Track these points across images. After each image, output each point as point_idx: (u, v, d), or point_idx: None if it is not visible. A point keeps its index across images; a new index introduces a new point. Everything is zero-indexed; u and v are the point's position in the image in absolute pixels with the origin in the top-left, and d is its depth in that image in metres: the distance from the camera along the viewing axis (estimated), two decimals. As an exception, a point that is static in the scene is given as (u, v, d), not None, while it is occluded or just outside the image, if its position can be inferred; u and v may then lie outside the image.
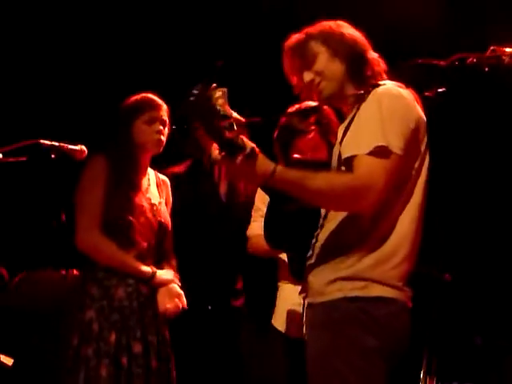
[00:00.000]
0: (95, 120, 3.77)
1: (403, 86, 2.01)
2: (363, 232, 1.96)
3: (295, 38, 2.12)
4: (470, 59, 2.00)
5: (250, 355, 3.13)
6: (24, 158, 2.69)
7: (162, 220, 2.87)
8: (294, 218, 2.09)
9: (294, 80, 2.12)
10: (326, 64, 2.06)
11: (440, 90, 1.86)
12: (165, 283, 2.78)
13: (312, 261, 2.05)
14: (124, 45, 4.16)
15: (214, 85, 1.81)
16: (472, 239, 3.69)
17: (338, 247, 1.99)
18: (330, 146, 2.82)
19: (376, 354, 1.93)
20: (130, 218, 2.75)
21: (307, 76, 2.08)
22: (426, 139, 2.00)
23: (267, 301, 3.03)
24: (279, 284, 3.00)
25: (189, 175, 3.13)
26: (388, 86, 2.00)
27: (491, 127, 3.55)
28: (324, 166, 2.12)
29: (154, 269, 2.78)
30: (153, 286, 2.77)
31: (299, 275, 2.12)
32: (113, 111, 2.91)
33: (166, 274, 2.81)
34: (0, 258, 3.43)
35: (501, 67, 2.04)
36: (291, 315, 2.87)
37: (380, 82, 2.01)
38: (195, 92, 1.77)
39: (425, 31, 3.45)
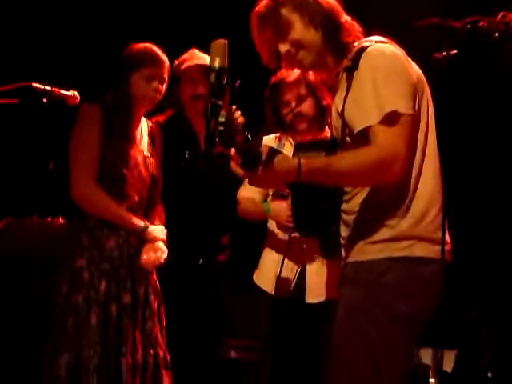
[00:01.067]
0: (92, 66, 3.69)
1: (387, 40, 1.97)
2: (395, 194, 1.96)
3: (264, 5, 2.03)
4: (482, 22, 1.97)
5: (232, 309, 3.18)
6: (15, 101, 2.64)
7: (154, 173, 2.85)
8: (318, 204, 2.08)
9: (264, 51, 2.05)
10: (302, 33, 2.00)
11: (451, 52, 1.82)
12: (154, 240, 2.76)
13: (348, 234, 2.04)
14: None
15: (234, 107, 1.82)
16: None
17: (373, 214, 1.98)
18: (317, 99, 2.85)
19: (409, 322, 1.93)
20: (124, 170, 2.72)
21: (283, 47, 2.01)
22: (427, 91, 1.98)
23: (252, 259, 3.06)
24: (265, 248, 3.02)
25: (169, 126, 3.08)
26: (377, 45, 1.94)
27: (495, 96, 3.51)
28: (331, 145, 2.09)
29: (147, 223, 2.77)
30: (143, 239, 2.76)
31: (329, 252, 2.17)
32: (112, 58, 2.85)
33: (157, 230, 2.79)
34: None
35: (509, 34, 2.02)
36: (273, 274, 2.89)
37: (365, 44, 1.95)
38: (222, 121, 1.79)
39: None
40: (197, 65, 3.00)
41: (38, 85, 2.67)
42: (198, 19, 3.68)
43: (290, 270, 2.89)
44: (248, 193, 2.95)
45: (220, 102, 1.86)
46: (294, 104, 2.88)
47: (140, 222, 2.76)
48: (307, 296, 2.87)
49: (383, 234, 1.96)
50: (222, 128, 1.80)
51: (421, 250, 1.95)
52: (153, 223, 2.82)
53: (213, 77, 1.91)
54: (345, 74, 1.96)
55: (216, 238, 3.10)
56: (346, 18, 2.04)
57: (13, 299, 3.34)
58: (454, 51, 1.83)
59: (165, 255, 2.78)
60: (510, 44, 2.06)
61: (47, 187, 3.79)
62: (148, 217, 2.83)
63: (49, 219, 3.55)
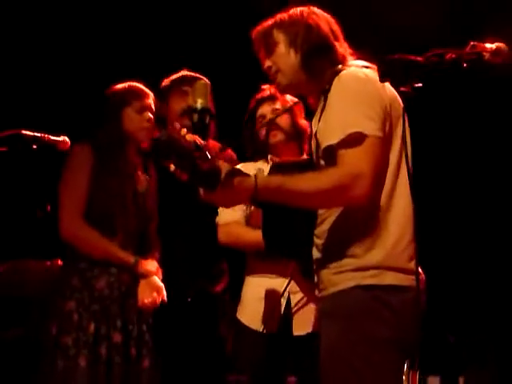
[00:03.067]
0: (78, 110, 3.76)
1: (372, 66, 1.99)
2: (363, 222, 1.95)
3: (263, 24, 2.11)
4: (449, 54, 1.99)
5: (227, 344, 3.10)
6: (5, 149, 2.70)
7: (148, 209, 2.88)
8: (290, 224, 2.07)
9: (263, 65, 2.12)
10: (282, 54, 2.06)
11: (416, 85, 1.84)
12: (147, 274, 2.78)
13: (319, 258, 2.04)
14: (105, 35, 4.15)
15: (178, 125, 1.82)
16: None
17: (342, 241, 1.97)
18: (292, 117, 2.87)
19: (389, 344, 1.92)
20: (115, 208, 2.75)
21: (266, 63, 2.09)
22: (402, 120, 1.98)
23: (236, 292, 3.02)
24: (246, 277, 2.98)
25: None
26: (352, 69, 1.98)
27: (469, 123, 3.57)
28: (307, 165, 2.10)
29: (138, 258, 2.79)
30: (136, 274, 2.78)
31: (309, 275, 2.12)
32: (98, 100, 2.91)
33: (149, 264, 2.81)
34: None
35: (480, 63, 2.04)
36: (257, 309, 2.84)
37: (341, 67, 1.99)
38: (160, 136, 1.79)
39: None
40: (188, 75, 3.01)
41: (27, 132, 2.75)
42: (180, 55, 3.76)
43: (276, 303, 2.82)
44: (229, 217, 2.85)
45: (203, 142, 1.87)
46: (268, 117, 2.90)
47: (131, 257, 2.77)
48: (294, 328, 2.81)
49: (349, 263, 1.95)
50: (159, 144, 1.79)
51: (390, 278, 1.93)
52: (145, 258, 2.82)
53: (195, 117, 1.95)
54: (322, 98, 2.01)
55: (209, 268, 3.05)
56: (339, 43, 2.08)
57: (12, 341, 3.36)
58: (419, 84, 1.85)
59: (163, 294, 2.77)
60: (482, 72, 2.09)
61: (45, 230, 3.83)
62: (141, 252, 2.84)
63: (47, 262, 3.59)
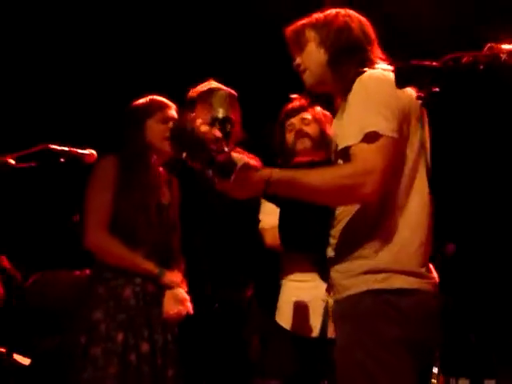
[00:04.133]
0: (103, 123, 3.83)
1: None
2: (375, 224, 1.97)
3: (297, 22, 2.16)
4: (466, 58, 2.00)
5: (259, 351, 3.13)
6: (34, 164, 2.77)
7: (170, 220, 2.91)
8: (307, 220, 2.09)
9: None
10: (311, 52, 2.11)
11: (434, 90, 1.87)
12: (172, 284, 2.81)
13: (332, 258, 2.06)
14: (128, 49, 4.22)
15: (193, 114, 1.85)
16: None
17: (353, 242, 1.99)
18: (321, 127, 2.92)
19: (401, 345, 1.92)
20: (139, 219, 2.79)
21: (296, 60, 2.15)
22: (422, 120, 2.00)
23: (272, 295, 3.06)
24: (282, 281, 3.03)
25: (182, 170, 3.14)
26: (372, 71, 2.01)
27: (487, 126, 3.57)
28: (327, 163, 2.13)
29: (162, 268, 2.82)
30: (160, 284, 2.81)
31: (327, 276, 2.13)
32: (121, 113, 2.96)
33: (174, 275, 2.84)
34: (15, 259, 3.50)
35: (497, 65, 2.05)
36: (297, 313, 2.89)
37: (366, 69, 2.02)
38: (176, 125, 1.82)
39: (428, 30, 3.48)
40: (213, 87, 3.02)
41: (55, 146, 2.82)
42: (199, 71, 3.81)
43: (314, 307, 2.88)
44: (273, 219, 2.80)
45: (219, 134, 1.91)
46: (297, 126, 2.96)
47: (155, 268, 2.80)
48: (330, 331, 2.78)
49: (360, 265, 1.97)
50: (174, 132, 1.83)
51: (400, 281, 1.94)
52: (170, 270, 2.85)
53: (217, 126, 2.01)
54: (345, 98, 2.04)
55: (234, 277, 3.08)
56: (371, 47, 2.10)
57: (43, 352, 3.42)
58: (436, 89, 1.86)
59: (188, 306, 2.80)
60: (499, 74, 2.10)
61: (74, 240, 3.90)
62: (166, 264, 2.87)
63: (77, 272, 3.65)
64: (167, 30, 4.26)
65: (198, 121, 1.88)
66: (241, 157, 1.89)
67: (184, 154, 1.84)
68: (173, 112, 2.91)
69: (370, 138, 1.90)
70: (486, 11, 3.56)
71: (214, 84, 3.11)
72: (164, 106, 2.89)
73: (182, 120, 1.82)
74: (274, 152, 3.04)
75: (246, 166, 1.87)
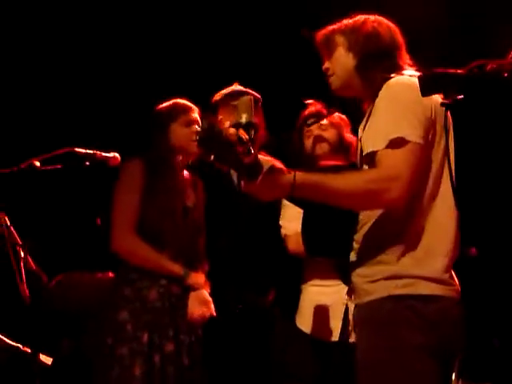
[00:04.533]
0: (128, 127, 3.86)
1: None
2: (398, 229, 1.97)
3: (328, 27, 2.19)
4: (490, 65, 2.00)
5: (281, 355, 3.12)
6: (59, 166, 2.81)
7: (196, 223, 2.94)
8: (331, 225, 2.10)
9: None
10: (340, 57, 2.13)
11: (459, 97, 1.87)
12: (196, 286, 2.84)
13: (354, 262, 2.07)
14: (153, 53, 4.25)
15: (221, 117, 1.85)
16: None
17: (376, 247, 1.99)
18: (340, 132, 2.92)
19: (425, 351, 1.92)
20: (165, 222, 2.82)
21: (325, 65, 2.17)
22: (447, 127, 1.98)
23: (294, 301, 3.06)
24: (303, 286, 3.04)
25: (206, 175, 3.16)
26: (400, 77, 2.02)
27: (510, 133, 3.55)
28: (351, 168, 2.16)
29: (187, 270, 2.85)
30: (185, 285, 2.83)
31: (348, 280, 2.13)
32: (146, 117, 2.99)
33: (198, 277, 2.87)
34: (39, 261, 3.54)
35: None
36: (317, 317, 2.91)
37: (393, 76, 2.03)
38: (203, 127, 1.83)
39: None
40: (236, 90, 3.04)
41: (80, 149, 2.86)
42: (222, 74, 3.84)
43: (335, 311, 2.89)
44: (296, 226, 2.80)
45: (247, 136, 1.89)
46: (315, 131, 2.98)
47: (180, 270, 2.83)
48: (352, 335, 2.86)
49: (382, 271, 1.97)
50: (202, 134, 1.84)
51: (423, 288, 1.95)
52: (195, 271, 2.88)
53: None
54: (372, 104, 2.05)
55: (256, 281, 3.10)
56: (399, 53, 2.11)
57: (65, 354, 3.45)
58: (461, 96, 1.87)
59: (211, 308, 2.82)
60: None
61: (97, 243, 3.93)
62: (191, 266, 2.89)
63: (99, 274, 3.68)
64: (193, 33, 4.29)
65: (226, 123, 1.89)
66: (267, 159, 1.90)
67: (212, 157, 1.85)
68: (196, 115, 2.93)
69: (396, 143, 1.91)
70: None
71: (238, 87, 3.13)
72: (187, 109, 2.91)
73: (209, 122, 1.82)
74: (293, 158, 3.05)
75: (273, 169, 1.88)
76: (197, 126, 2.89)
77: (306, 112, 3.05)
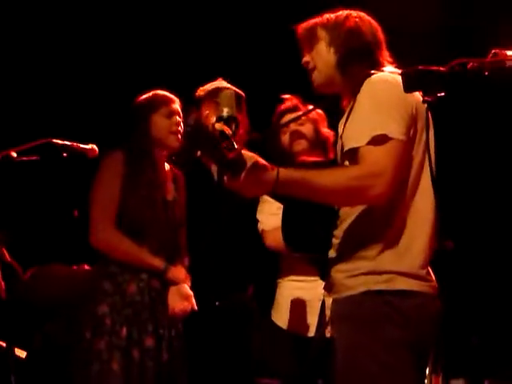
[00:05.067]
0: (107, 119, 3.83)
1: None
2: (379, 225, 1.97)
3: (309, 20, 2.17)
4: (471, 64, 2.01)
5: (258, 350, 3.13)
6: (36, 157, 2.77)
7: (175, 217, 2.92)
8: (311, 220, 2.10)
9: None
10: (321, 52, 2.11)
11: (440, 95, 1.88)
12: (176, 280, 2.82)
13: (333, 258, 2.07)
14: (135, 46, 4.22)
15: (207, 112, 1.85)
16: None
17: (357, 242, 2.00)
18: (316, 127, 2.93)
19: (402, 346, 1.93)
20: (145, 214, 2.80)
21: (305, 58, 2.15)
22: (428, 124, 1.98)
23: (269, 295, 3.07)
24: (279, 281, 3.04)
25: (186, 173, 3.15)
26: (382, 73, 2.02)
27: (492, 130, 3.60)
28: (331, 164, 2.15)
29: (168, 264, 2.83)
30: (165, 280, 2.82)
31: (326, 275, 2.13)
32: (126, 108, 2.96)
33: (178, 271, 2.85)
34: (14, 253, 3.50)
35: (502, 71, 2.06)
36: (294, 312, 2.91)
37: (375, 72, 2.03)
38: (190, 122, 1.81)
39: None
40: (219, 87, 2.99)
41: (57, 140, 2.83)
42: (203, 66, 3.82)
43: (311, 307, 2.89)
44: (274, 221, 2.87)
45: (230, 132, 1.88)
46: (292, 126, 2.96)
47: (161, 264, 2.81)
48: (328, 330, 2.82)
49: (362, 266, 1.97)
50: (189, 129, 1.83)
51: (401, 283, 1.95)
52: (175, 266, 2.86)
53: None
54: (352, 100, 2.04)
55: (235, 275, 3.08)
56: (380, 51, 2.11)
57: (38, 347, 3.42)
58: (443, 93, 1.87)
59: (193, 302, 2.81)
60: (504, 80, 2.11)
61: (72, 236, 3.91)
62: (171, 260, 2.87)
63: (74, 267, 3.65)
64: (174, 27, 4.26)
65: (212, 118, 1.88)
66: (251, 155, 1.89)
67: (199, 152, 1.84)
68: (177, 106, 2.89)
69: (379, 140, 1.91)
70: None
71: (222, 83, 3.11)
72: (168, 100, 2.88)
73: (196, 118, 1.81)
74: (269, 153, 3.04)
75: (256, 165, 1.87)
76: (177, 117, 2.86)
77: (282, 107, 3.03)
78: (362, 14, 2.16)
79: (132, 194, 2.80)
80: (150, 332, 2.74)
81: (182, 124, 2.86)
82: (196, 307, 2.84)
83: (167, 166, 2.98)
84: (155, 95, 2.90)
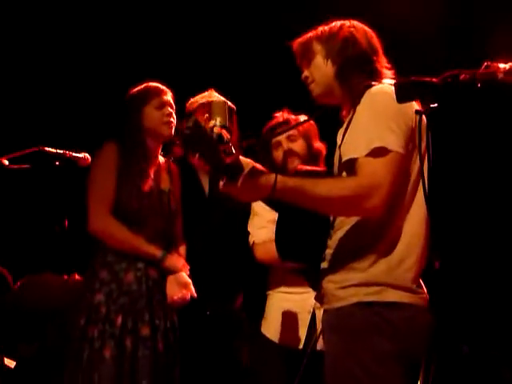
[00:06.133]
0: (98, 127, 3.82)
1: None
2: (373, 237, 1.97)
3: (304, 35, 2.17)
4: (463, 75, 2.02)
5: (248, 361, 3.10)
6: (28, 165, 2.76)
7: (171, 207, 2.92)
8: (305, 230, 2.10)
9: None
10: (318, 65, 2.11)
11: (432, 106, 1.88)
12: (174, 269, 2.82)
13: (325, 268, 2.06)
14: (128, 51, 4.22)
15: (207, 115, 1.85)
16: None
17: (350, 253, 1.99)
18: (308, 142, 2.93)
19: (392, 358, 1.93)
20: (140, 204, 2.80)
21: (304, 73, 2.16)
22: (421, 135, 1.96)
23: (259, 307, 3.04)
24: (268, 293, 3.02)
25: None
26: (382, 85, 2.02)
27: (484, 141, 3.61)
28: (327, 174, 2.16)
29: (165, 252, 2.82)
30: (162, 268, 2.81)
31: (317, 285, 2.13)
32: (119, 104, 2.95)
33: (176, 259, 2.85)
34: (4, 262, 3.48)
35: (494, 83, 2.07)
36: (283, 324, 2.88)
37: (375, 83, 2.03)
38: (189, 125, 1.81)
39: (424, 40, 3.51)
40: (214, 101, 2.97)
41: (49, 148, 2.82)
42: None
43: (301, 319, 2.87)
44: (264, 234, 2.88)
45: (229, 136, 1.87)
46: (284, 144, 2.95)
47: (158, 252, 2.81)
48: (319, 343, 2.73)
49: (353, 278, 1.97)
50: (187, 132, 1.83)
51: (392, 295, 1.95)
52: (172, 254, 2.85)
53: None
54: (352, 110, 2.05)
55: (227, 283, 3.07)
56: (377, 58, 2.11)
57: (29, 356, 3.40)
58: (435, 104, 1.88)
59: (191, 289, 2.80)
60: (497, 92, 2.12)
61: (63, 245, 3.89)
62: (167, 249, 2.86)
63: (65, 276, 3.64)
64: (164, 31, 4.25)
65: (211, 122, 1.87)
66: (248, 161, 1.89)
67: (196, 156, 1.83)
68: (169, 97, 2.92)
69: (378, 152, 1.91)
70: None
71: (212, 94, 3.11)
72: (160, 92, 2.90)
73: (194, 120, 1.79)
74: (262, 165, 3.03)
75: (254, 171, 1.87)
76: (169, 108, 2.87)
77: (273, 122, 3.02)
78: (356, 22, 2.16)
79: (127, 184, 2.80)
80: (147, 321, 2.73)
81: (173, 115, 2.89)
82: (195, 294, 2.82)
83: (162, 159, 2.99)
84: (147, 87, 2.92)
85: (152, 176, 2.88)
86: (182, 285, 2.81)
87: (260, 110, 3.15)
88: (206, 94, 3.16)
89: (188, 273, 2.85)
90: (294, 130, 2.94)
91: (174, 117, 2.89)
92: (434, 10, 3.58)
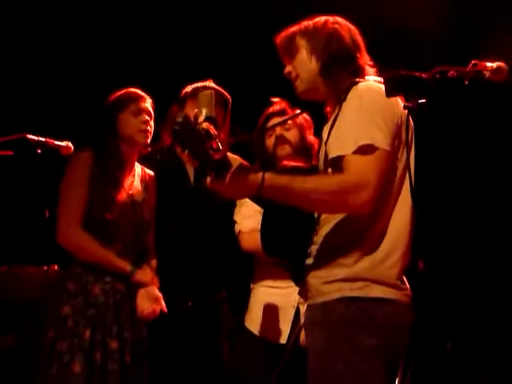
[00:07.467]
0: (81, 117, 3.79)
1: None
2: (358, 233, 1.98)
3: (287, 30, 2.17)
4: (451, 72, 2.03)
5: (229, 353, 3.11)
6: (10, 152, 2.73)
7: (144, 218, 2.88)
8: (290, 226, 2.10)
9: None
10: (302, 60, 2.11)
11: (420, 101, 1.89)
12: (143, 283, 2.80)
13: (310, 264, 2.07)
14: (109, 42, 4.18)
15: (196, 110, 1.85)
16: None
17: (335, 249, 2.00)
18: (302, 133, 2.92)
19: (375, 353, 1.94)
20: (111, 215, 2.77)
21: (287, 68, 2.15)
22: (411, 135, 2.01)
23: (243, 300, 3.05)
24: (252, 286, 3.02)
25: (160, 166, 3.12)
26: (368, 82, 2.03)
27: (470, 138, 3.64)
28: (313, 170, 2.15)
29: (134, 267, 2.80)
30: (132, 282, 2.79)
31: (300, 280, 2.14)
32: (96, 108, 2.93)
33: (145, 273, 2.83)
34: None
35: (481, 81, 2.08)
36: (267, 318, 2.89)
37: (360, 80, 2.04)
38: (178, 120, 1.80)
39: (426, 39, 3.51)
40: (200, 87, 2.98)
41: (32, 136, 2.78)
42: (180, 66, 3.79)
43: (285, 313, 2.89)
44: (251, 223, 2.88)
45: (216, 132, 1.87)
46: (278, 131, 2.95)
47: (128, 266, 2.79)
48: (302, 339, 2.78)
49: (338, 273, 1.98)
50: (177, 127, 1.83)
51: (376, 290, 1.97)
52: (142, 268, 2.84)
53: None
54: (337, 107, 2.04)
55: (210, 276, 3.06)
56: (360, 54, 2.11)
57: (8, 348, 3.36)
58: (423, 100, 1.89)
59: (162, 304, 2.78)
60: (483, 90, 2.13)
61: (43, 235, 3.85)
62: (137, 262, 2.85)
63: (44, 267, 3.60)
64: (162, 29, 4.23)
65: (201, 117, 1.86)
66: (235, 158, 1.89)
67: (186, 151, 1.82)
68: (147, 104, 2.87)
69: (365, 150, 1.92)
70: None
71: (206, 83, 3.08)
72: (137, 98, 2.86)
73: (184, 115, 1.78)
74: (254, 156, 3.04)
75: (241, 168, 1.87)
76: (146, 116, 2.84)
77: (269, 110, 3.03)
78: (340, 18, 2.17)
79: (99, 193, 2.77)
80: (114, 335, 2.71)
81: (150, 123, 2.86)
82: (165, 309, 2.80)
83: (139, 167, 2.96)
84: (125, 93, 2.88)
85: (126, 185, 2.85)
86: (152, 299, 2.78)
87: (256, 103, 3.15)
88: (200, 83, 3.14)
89: (158, 286, 2.83)
90: (288, 120, 2.94)
91: (152, 124, 2.86)
92: (434, 8, 3.59)
